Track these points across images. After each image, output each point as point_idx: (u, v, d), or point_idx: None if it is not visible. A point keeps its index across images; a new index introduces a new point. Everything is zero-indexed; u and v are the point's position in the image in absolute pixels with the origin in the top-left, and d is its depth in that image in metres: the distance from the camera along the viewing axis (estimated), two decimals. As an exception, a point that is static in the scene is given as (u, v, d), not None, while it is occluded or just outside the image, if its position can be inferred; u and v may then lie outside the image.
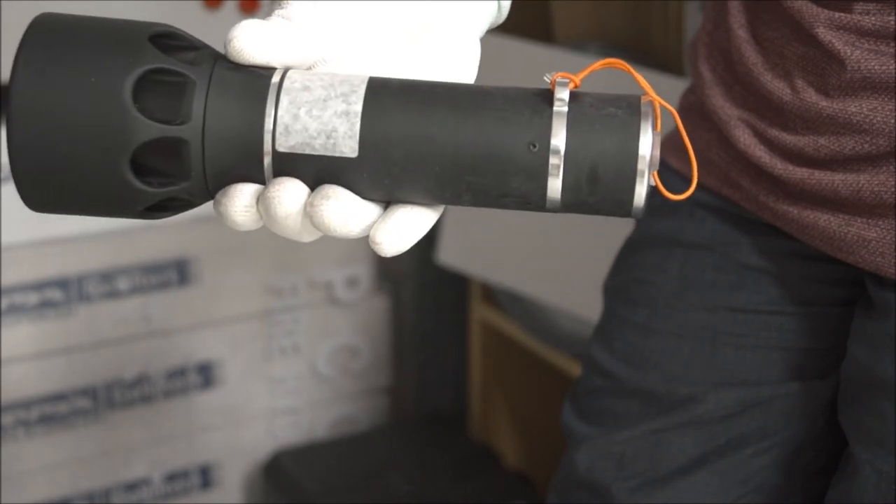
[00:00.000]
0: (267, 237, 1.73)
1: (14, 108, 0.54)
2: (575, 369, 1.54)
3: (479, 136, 0.55)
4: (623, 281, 0.93)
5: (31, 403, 1.62)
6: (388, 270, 1.85)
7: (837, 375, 0.82)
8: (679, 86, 0.99)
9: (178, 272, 1.67)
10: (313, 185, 0.56)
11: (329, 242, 1.78)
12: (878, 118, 0.70)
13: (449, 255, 1.72)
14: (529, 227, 1.52)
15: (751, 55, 0.77)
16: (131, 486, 1.71)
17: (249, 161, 0.56)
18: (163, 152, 0.55)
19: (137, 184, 0.55)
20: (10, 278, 1.56)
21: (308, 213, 0.56)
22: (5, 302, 1.57)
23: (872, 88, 0.70)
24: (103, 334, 1.64)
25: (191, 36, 0.57)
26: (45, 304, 1.60)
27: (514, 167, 0.55)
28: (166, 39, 0.56)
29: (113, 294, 1.63)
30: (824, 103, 0.72)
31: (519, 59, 1.50)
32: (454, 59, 0.61)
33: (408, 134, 0.55)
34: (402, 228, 0.56)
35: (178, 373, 1.71)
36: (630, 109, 0.55)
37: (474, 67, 0.62)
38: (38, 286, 1.59)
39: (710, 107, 0.82)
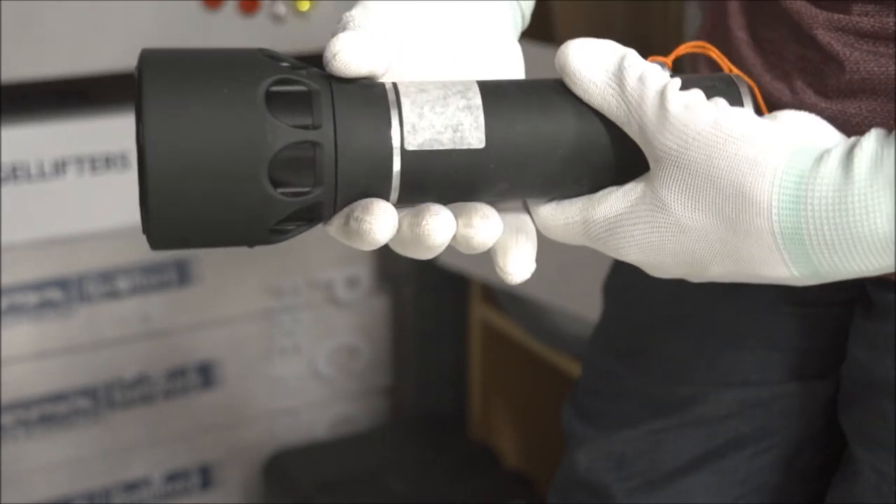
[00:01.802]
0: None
1: (149, 142, 0.53)
2: (575, 369, 1.54)
3: (593, 117, 0.58)
4: (623, 281, 0.93)
5: (31, 403, 1.62)
6: (388, 271, 1.85)
7: (837, 376, 0.82)
8: (679, 86, 0.98)
9: (178, 272, 1.67)
10: (442, 182, 0.57)
11: (329, 242, 1.78)
12: (878, 120, 0.70)
13: (449, 255, 1.72)
14: (529, 227, 1.52)
15: (750, 56, 0.77)
16: (131, 486, 1.71)
17: (380, 165, 0.56)
18: (296, 162, 0.55)
19: (275, 194, 0.54)
20: (10, 278, 1.56)
21: (463, 235, 0.56)
22: (5, 302, 1.57)
23: (871, 90, 0.70)
24: (103, 334, 1.64)
25: (290, 56, 0.57)
26: (45, 304, 1.60)
27: (632, 143, 0.58)
28: (273, 58, 0.56)
29: (113, 294, 1.63)
30: (823, 105, 0.72)
31: (519, 59, 1.50)
32: (512, 57, 0.65)
33: (529, 122, 0.58)
34: (528, 255, 0.59)
35: (178, 373, 1.71)
36: (725, 81, 0.59)
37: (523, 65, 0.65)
38: (38, 286, 1.59)
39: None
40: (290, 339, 1.78)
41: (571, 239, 0.61)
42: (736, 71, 0.60)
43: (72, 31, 1.48)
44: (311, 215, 0.57)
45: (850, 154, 0.54)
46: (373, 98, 0.57)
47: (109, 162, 1.57)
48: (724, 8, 0.80)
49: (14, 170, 1.52)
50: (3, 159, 1.51)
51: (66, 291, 1.61)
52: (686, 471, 0.86)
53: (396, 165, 0.56)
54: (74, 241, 1.59)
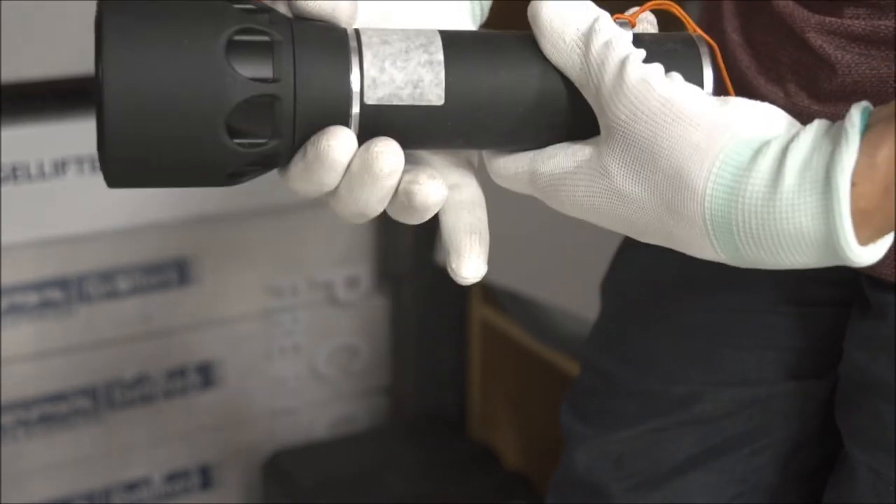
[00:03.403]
0: (267, 237, 1.73)
1: (107, 81, 0.53)
2: (575, 369, 1.54)
3: (555, 77, 0.58)
4: (621, 281, 0.93)
5: (31, 403, 1.62)
6: (388, 270, 1.85)
7: (834, 375, 0.82)
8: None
9: (178, 272, 1.67)
10: (399, 136, 0.57)
11: (329, 242, 1.78)
12: (871, 121, 0.70)
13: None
14: (529, 226, 1.52)
15: (744, 59, 0.77)
16: (131, 486, 1.71)
17: (338, 116, 0.56)
18: (254, 112, 0.55)
19: (232, 145, 0.55)
20: (10, 278, 1.56)
21: (406, 190, 0.57)
22: (5, 302, 1.57)
23: (864, 93, 0.70)
24: (103, 334, 1.64)
25: (262, 18, 0.57)
26: (45, 304, 1.60)
27: (588, 106, 0.58)
28: (236, 3, 0.56)
29: (113, 294, 1.63)
30: (816, 107, 0.72)
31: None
32: None
33: (490, 79, 0.58)
34: (481, 258, 0.60)
35: (178, 373, 1.71)
36: (687, 43, 0.60)
37: None
38: (38, 286, 1.59)
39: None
40: (290, 339, 1.78)
41: (519, 188, 0.61)
42: (699, 31, 0.61)
43: (72, 31, 1.48)
44: (268, 162, 0.57)
45: (785, 150, 0.54)
46: (334, 48, 0.57)
47: (109, 162, 1.56)
48: (718, 9, 0.80)
49: (14, 170, 1.52)
50: (3, 159, 1.51)
51: (66, 291, 1.61)
52: (684, 470, 0.86)
53: (355, 119, 0.57)
54: (74, 241, 1.59)
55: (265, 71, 0.55)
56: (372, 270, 1.83)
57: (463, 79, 0.57)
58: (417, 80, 0.57)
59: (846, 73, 0.70)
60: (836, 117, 0.70)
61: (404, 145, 0.58)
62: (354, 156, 0.57)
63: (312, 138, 0.57)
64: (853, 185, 0.52)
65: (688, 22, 0.62)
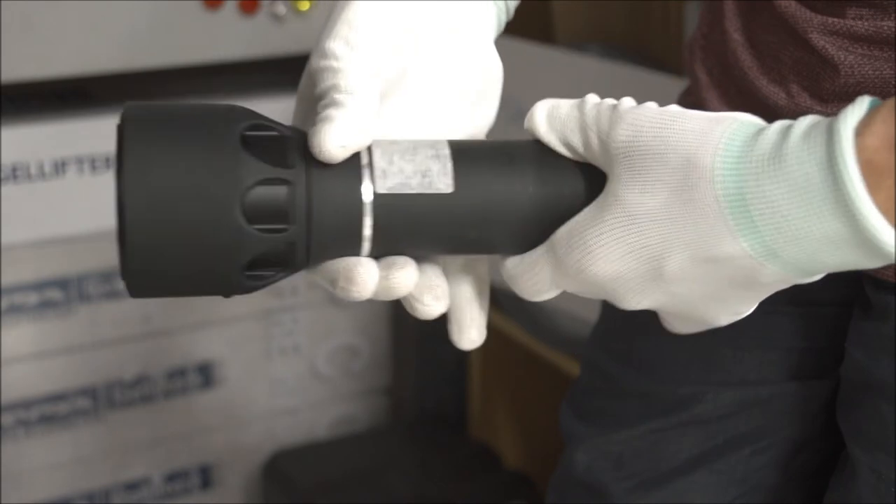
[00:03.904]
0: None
1: (129, 207, 0.55)
2: (575, 369, 1.54)
3: (561, 166, 0.60)
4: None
5: (31, 403, 1.62)
6: (388, 270, 1.85)
7: (835, 375, 0.82)
8: (678, 85, 0.99)
9: (178, 272, 1.67)
10: (413, 228, 0.59)
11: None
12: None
13: (449, 255, 1.72)
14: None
15: (746, 59, 0.77)
16: (131, 486, 1.71)
17: (351, 208, 0.58)
18: (269, 201, 0.57)
19: (248, 227, 0.56)
20: (10, 278, 1.56)
21: (412, 305, 0.62)
22: (5, 302, 1.57)
23: (866, 94, 0.70)
24: (103, 334, 1.64)
25: (270, 120, 0.59)
26: (45, 304, 1.60)
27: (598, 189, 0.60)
28: (254, 130, 0.58)
29: (113, 294, 1.63)
30: (818, 108, 0.72)
31: (519, 59, 1.50)
32: (487, 56, 0.66)
33: (497, 171, 0.60)
34: (480, 327, 0.67)
35: (178, 373, 1.71)
36: None
37: (500, 64, 0.67)
38: (38, 286, 1.59)
39: (707, 109, 0.82)
40: (290, 339, 1.78)
41: (538, 282, 0.62)
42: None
43: (72, 31, 1.48)
44: (286, 259, 0.58)
45: (789, 125, 0.55)
46: (347, 170, 0.58)
47: (109, 162, 1.57)
48: (720, 10, 0.80)
49: (14, 170, 1.52)
50: (3, 159, 1.51)
51: (66, 291, 1.61)
52: (684, 470, 0.86)
53: (368, 209, 0.58)
54: (74, 241, 1.59)
55: (279, 159, 0.57)
56: (372, 270, 1.83)
57: (470, 169, 0.59)
58: (426, 170, 0.59)
59: (849, 73, 0.70)
60: (839, 118, 0.70)
61: (416, 237, 0.60)
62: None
63: (341, 273, 0.59)
64: (857, 134, 0.53)
65: None
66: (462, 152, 0.60)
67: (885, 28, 0.69)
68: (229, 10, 1.58)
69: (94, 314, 1.63)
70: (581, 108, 0.60)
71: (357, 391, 1.87)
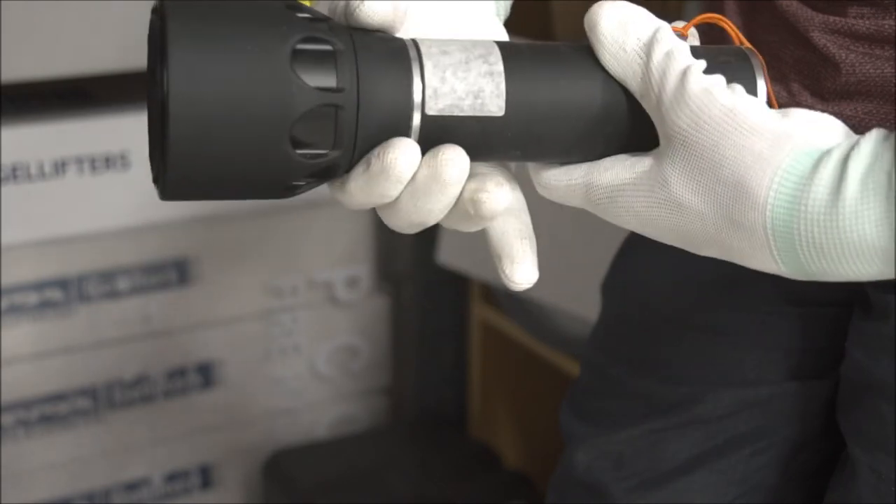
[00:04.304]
0: (267, 237, 1.73)
1: (173, 86, 0.52)
2: (575, 369, 1.54)
3: (615, 88, 0.58)
4: (621, 281, 0.93)
5: (31, 403, 1.62)
6: (388, 270, 1.85)
7: (835, 375, 0.82)
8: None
9: (178, 272, 1.67)
10: (460, 146, 0.57)
11: (329, 242, 1.78)
12: (874, 122, 0.70)
13: (449, 255, 1.72)
14: (529, 227, 1.52)
15: (747, 57, 0.77)
16: (131, 486, 1.71)
17: (399, 127, 0.56)
18: (316, 123, 0.54)
19: (295, 156, 0.54)
20: (10, 278, 1.56)
21: (474, 199, 0.56)
22: (5, 302, 1.57)
23: (867, 92, 0.70)
24: (103, 334, 1.64)
25: (312, 8, 0.57)
26: (45, 304, 1.60)
27: (646, 117, 0.58)
28: (297, 11, 0.56)
29: (113, 294, 1.63)
30: (820, 107, 0.72)
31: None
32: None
33: (550, 90, 0.57)
34: (534, 264, 0.60)
35: (178, 373, 1.71)
36: (739, 56, 0.60)
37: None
38: (38, 286, 1.59)
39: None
40: (290, 339, 1.78)
41: (570, 200, 0.61)
42: (748, 44, 0.61)
43: (72, 31, 1.48)
44: (326, 174, 0.57)
45: (846, 158, 0.54)
46: (395, 58, 0.56)
47: (109, 162, 1.57)
48: (720, 9, 0.80)
49: (14, 170, 1.52)
50: (3, 159, 1.51)
51: (66, 291, 1.61)
52: (684, 470, 0.86)
53: (415, 130, 0.56)
54: (74, 241, 1.59)
55: (329, 80, 0.55)
56: (372, 270, 1.83)
57: (523, 90, 0.57)
58: (478, 90, 0.57)
59: (850, 72, 0.70)
60: (840, 116, 0.70)
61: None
62: (420, 165, 0.56)
63: (376, 150, 0.56)
64: None
65: (738, 35, 0.62)
66: (514, 65, 0.57)
67: (887, 27, 0.69)
68: (229, 10, 1.57)
69: (94, 314, 1.63)
70: (650, 54, 0.57)
71: (357, 391, 1.87)
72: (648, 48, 0.57)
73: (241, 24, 0.54)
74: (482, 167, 0.60)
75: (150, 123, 0.58)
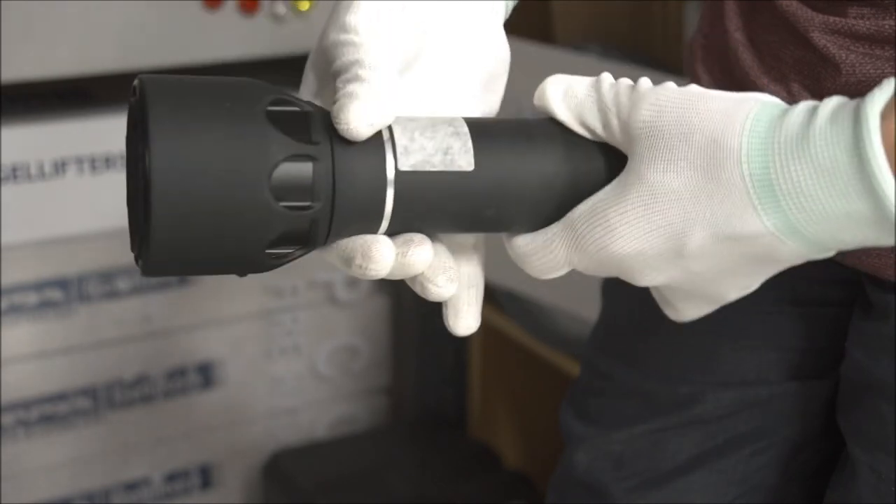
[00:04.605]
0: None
1: (156, 179, 0.54)
2: (575, 369, 1.54)
3: (579, 142, 0.61)
4: (621, 281, 0.93)
5: (31, 403, 1.62)
6: (388, 270, 1.85)
7: (835, 375, 0.82)
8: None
9: (178, 272, 1.67)
10: (433, 206, 0.59)
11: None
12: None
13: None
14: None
15: (747, 58, 0.77)
16: (131, 486, 1.71)
17: (374, 186, 0.58)
18: (294, 177, 0.56)
19: (276, 205, 0.56)
20: (10, 278, 1.56)
21: (424, 286, 0.61)
22: (5, 302, 1.57)
23: (867, 92, 0.70)
24: (103, 334, 1.64)
25: (289, 94, 0.58)
26: (45, 304, 1.60)
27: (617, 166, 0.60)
28: (277, 105, 0.57)
29: (113, 294, 1.63)
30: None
31: (519, 59, 1.50)
32: (498, 41, 0.66)
33: (516, 148, 0.60)
34: (475, 313, 0.65)
35: (178, 373, 1.71)
36: None
37: (508, 50, 0.67)
38: (38, 286, 1.59)
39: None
40: (290, 340, 1.78)
41: (552, 259, 0.62)
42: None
43: (72, 31, 1.48)
44: (307, 236, 0.58)
45: (815, 106, 0.56)
46: (369, 148, 0.58)
47: (109, 162, 1.57)
48: (721, 9, 0.80)
49: (14, 170, 1.52)
50: (3, 159, 1.51)
51: (66, 291, 1.61)
52: (684, 470, 0.86)
53: (391, 186, 0.58)
54: (74, 241, 1.59)
55: (303, 135, 0.56)
56: (372, 270, 1.83)
57: (490, 148, 0.59)
58: (447, 147, 0.59)
59: (850, 72, 0.70)
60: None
61: (435, 215, 0.59)
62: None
63: (358, 251, 0.59)
64: (883, 118, 0.53)
65: None
66: (480, 130, 0.60)
67: (887, 27, 0.69)
68: (229, 10, 1.58)
69: (94, 314, 1.63)
70: (598, 89, 0.60)
71: (357, 391, 1.87)
72: (597, 85, 0.60)
73: (215, 95, 0.56)
74: (443, 250, 0.62)
75: (129, 196, 0.59)
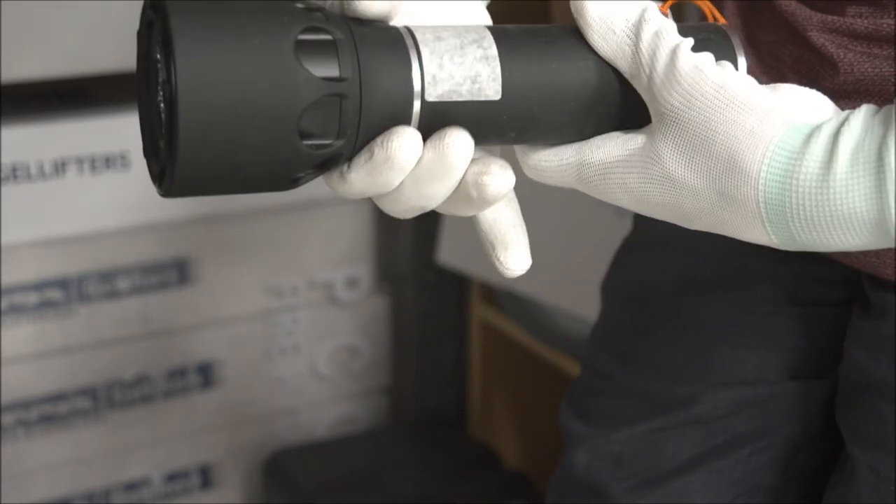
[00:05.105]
0: (267, 237, 1.73)
1: (180, 82, 0.52)
2: (575, 369, 1.54)
3: (605, 68, 0.59)
4: (621, 281, 0.93)
5: (31, 403, 1.62)
6: (388, 270, 1.85)
7: (834, 375, 0.82)
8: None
9: (178, 272, 1.67)
10: None
11: (329, 242, 1.78)
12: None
13: (449, 255, 1.72)
14: (529, 227, 1.52)
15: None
16: (131, 486, 1.71)
17: (400, 114, 0.56)
18: (322, 112, 0.55)
19: (303, 147, 0.54)
20: (10, 278, 1.56)
21: (478, 182, 0.56)
22: (5, 302, 1.57)
23: (866, 91, 0.70)
24: (103, 334, 1.64)
25: (322, 16, 0.56)
26: (45, 304, 1.60)
27: (637, 97, 0.59)
28: (308, 33, 0.55)
29: (113, 294, 1.63)
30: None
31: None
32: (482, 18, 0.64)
33: (543, 73, 0.58)
34: (526, 250, 0.61)
35: (178, 373, 1.71)
36: (719, 33, 0.61)
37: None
38: (38, 286, 1.59)
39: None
40: (290, 339, 1.78)
41: (561, 181, 0.61)
42: (722, 20, 0.62)
43: (72, 31, 1.48)
44: (328, 164, 0.57)
45: (837, 133, 0.55)
46: (393, 46, 0.57)
47: (109, 162, 1.57)
48: (719, 8, 0.80)
49: (14, 170, 1.52)
50: (3, 159, 1.51)
51: (66, 291, 1.61)
52: (684, 470, 0.86)
53: (416, 116, 0.56)
54: (74, 241, 1.59)
55: (332, 70, 0.55)
56: (372, 270, 1.83)
57: (517, 73, 0.58)
58: (475, 75, 0.57)
59: (848, 71, 0.70)
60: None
61: None
62: (425, 149, 0.56)
63: (379, 139, 0.56)
64: None
65: (714, 13, 0.63)
66: (508, 50, 0.58)
67: (885, 26, 0.69)
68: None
69: (94, 314, 1.63)
70: (638, 35, 0.58)
71: (357, 391, 1.87)
72: (637, 28, 0.58)
73: (242, 17, 0.54)
74: (477, 151, 0.60)
75: (143, 122, 0.57)
